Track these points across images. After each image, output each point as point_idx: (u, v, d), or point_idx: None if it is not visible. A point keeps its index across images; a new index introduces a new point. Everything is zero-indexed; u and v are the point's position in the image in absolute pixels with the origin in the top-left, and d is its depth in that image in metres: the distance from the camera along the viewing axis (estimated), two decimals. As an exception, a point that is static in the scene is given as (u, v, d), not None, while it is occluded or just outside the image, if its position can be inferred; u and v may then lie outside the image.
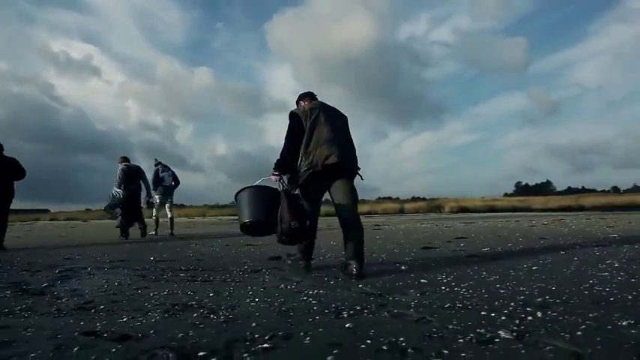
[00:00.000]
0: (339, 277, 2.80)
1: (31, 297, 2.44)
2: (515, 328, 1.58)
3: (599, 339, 1.44)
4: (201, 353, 1.41)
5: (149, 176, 7.86)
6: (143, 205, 7.84)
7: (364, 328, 1.66)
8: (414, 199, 38.13)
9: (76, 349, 1.49)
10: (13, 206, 6.23)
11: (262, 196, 2.86)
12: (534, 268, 2.90)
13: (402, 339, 1.50)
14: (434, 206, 28.04)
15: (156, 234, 8.04)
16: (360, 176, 3.04)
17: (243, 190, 2.91)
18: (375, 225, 9.65)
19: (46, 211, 34.88)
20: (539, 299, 2.01)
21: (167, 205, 8.14)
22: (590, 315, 1.72)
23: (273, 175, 2.92)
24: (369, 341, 1.50)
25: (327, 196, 3.02)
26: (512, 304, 1.94)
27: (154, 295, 2.40)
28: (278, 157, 2.93)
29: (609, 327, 1.57)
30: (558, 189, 46.98)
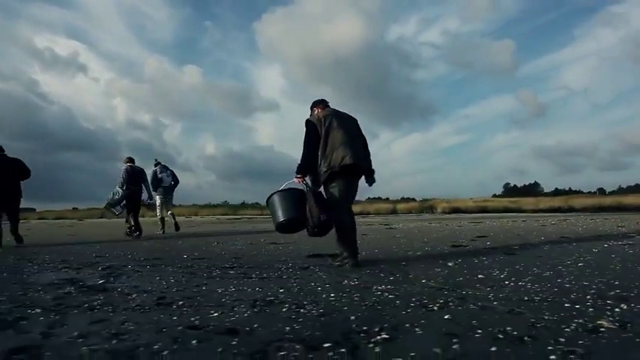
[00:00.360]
0: (394, 273, 2.86)
1: (99, 293, 2.42)
2: (611, 319, 1.66)
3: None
4: (326, 344, 1.45)
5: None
6: (145, 202, 7.90)
7: (463, 319, 1.72)
8: (404, 200, 38.46)
9: (194, 341, 1.51)
10: None
11: (291, 197, 3.22)
12: (580, 264, 3.01)
13: (508, 328, 1.57)
14: (426, 207, 28.35)
15: (163, 232, 8.12)
16: (374, 179, 3.41)
17: (273, 194, 3.27)
18: (386, 225, 9.78)
19: (32, 209, 33.97)
20: (610, 292, 2.10)
21: (167, 205, 8.22)
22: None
23: (297, 177, 3.25)
24: (479, 331, 1.55)
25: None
26: (587, 297, 2.03)
27: (222, 291, 2.41)
28: (299, 162, 3.25)
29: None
30: (546, 190, 48.14)
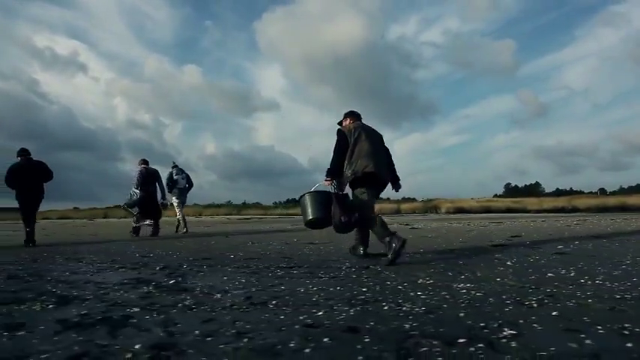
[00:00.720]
0: (461, 272, 2.90)
1: (181, 292, 2.44)
2: None
3: None
4: (460, 340, 1.49)
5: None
6: (161, 203, 8.10)
7: (572, 315, 1.76)
8: (405, 200, 38.53)
9: (325, 339, 1.54)
10: (5, 205, 6.43)
11: (320, 198, 3.70)
12: (641, 263, 3.07)
13: (627, 325, 1.61)
14: (430, 207, 28.43)
15: (186, 232, 8.37)
16: (399, 185, 3.96)
17: (304, 194, 3.77)
18: (405, 224, 9.83)
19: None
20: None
21: (180, 206, 8.48)
22: None
23: (326, 180, 3.71)
24: (599, 327, 1.60)
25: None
26: (676, 294, 2.08)
27: (306, 290, 2.44)
28: (329, 167, 3.70)
29: None
30: (547, 190, 48.43)
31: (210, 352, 1.44)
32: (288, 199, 46.27)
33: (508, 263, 3.24)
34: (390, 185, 3.91)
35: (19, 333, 1.71)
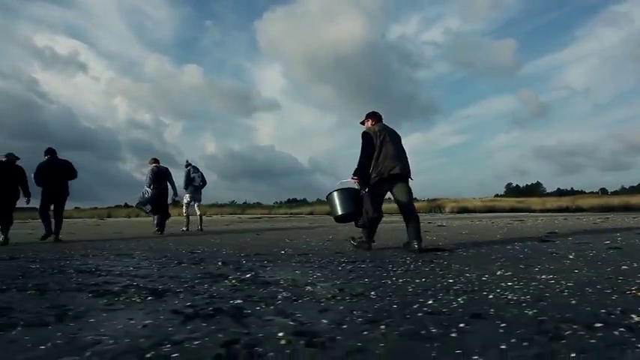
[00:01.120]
0: (530, 265, 2.95)
1: (269, 286, 2.47)
2: None
3: None
4: (597, 325, 1.52)
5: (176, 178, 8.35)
6: (174, 200, 8.40)
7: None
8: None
9: (461, 324, 1.58)
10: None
11: (348, 195, 4.00)
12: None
13: None
14: (434, 206, 28.52)
15: (187, 230, 8.46)
16: (411, 178, 4.11)
17: (333, 192, 4.07)
18: (430, 222, 9.85)
19: (35, 209, 33.47)
20: None
21: (196, 205, 8.64)
22: None
23: (353, 178, 3.96)
24: None
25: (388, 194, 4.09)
26: None
27: (395, 282, 2.48)
28: (356, 166, 3.95)
29: None
30: (548, 190, 48.76)
31: (363, 339, 1.45)
32: (289, 199, 46.22)
33: (571, 257, 3.29)
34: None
35: (147, 321, 1.73)
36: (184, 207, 8.62)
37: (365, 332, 1.53)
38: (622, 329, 1.47)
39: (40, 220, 6.78)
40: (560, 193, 41.14)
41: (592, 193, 34.32)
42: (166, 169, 8.12)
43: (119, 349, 1.38)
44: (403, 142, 4.19)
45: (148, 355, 1.32)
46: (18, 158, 6.58)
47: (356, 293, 2.20)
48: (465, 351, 1.31)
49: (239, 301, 2.08)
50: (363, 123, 4.25)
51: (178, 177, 8.61)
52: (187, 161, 8.73)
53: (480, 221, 10.24)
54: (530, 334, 1.44)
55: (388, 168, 3.85)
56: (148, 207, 7.85)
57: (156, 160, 8.09)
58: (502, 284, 2.33)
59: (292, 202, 42.25)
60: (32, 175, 6.58)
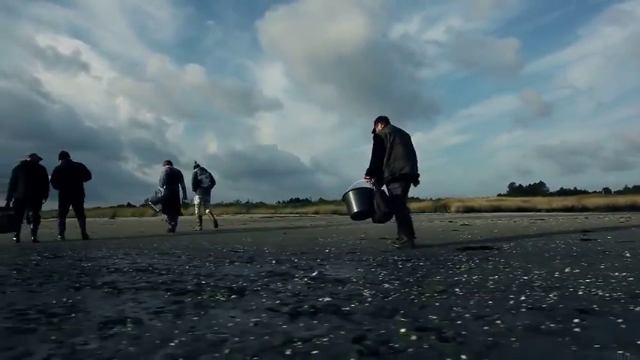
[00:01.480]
0: (591, 263, 2.96)
1: (344, 284, 2.47)
2: None
3: None
4: None
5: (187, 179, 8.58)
6: (184, 201, 8.60)
7: None
8: (411, 199, 38.62)
9: (576, 320, 1.58)
10: None
11: (362, 194, 4.27)
12: None
13: None
14: (439, 206, 28.54)
15: (201, 229, 8.65)
16: (418, 182, 4.33)
17: (348, 191, 4.34)
18: (451, 221, 9.87)
19: (8, 207, 33.42)
20: None
21: (206, 204, 8.87)
22: None
23: (365, 178, 4.25)
24: None
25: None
26: None
27: (468, 280, 2.49)
28: (368, 167, 4.20)
29: None
30: (551, 190, 48.85)
31: (490, 333, 1.46)
32: (291, 199, 46.16)
33: (627, 255, 3.30)
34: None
35: (254, 319, 1.73)
36: (196, 208, 8.83)
37: (485, 327, 1.54)
38: None
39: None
40: (563, 192, 41.23)
41: (595, 192, 34.40)
42: (179, 171, 8.38)
43: (255, 346, 1.38)
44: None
45: (288, 352, 1.32)
46: (41, 158, 6.78)
47: (439, 290, 2.20)
48: (603, 346, 1.31)
49: (328, 299, 2.08)
50: (374, 131, 4.43)
51: (186, 177, 8.74)
52: (195, 162, 8.94)
53: (500, 220, 10.26)
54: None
55: (399, 168, 4.10)
56: (159, 206, 8.11)
57: (169, 162, 8.33)
58: (580, 281, 2.34)
59: (295, 202, 42.21)
60: (49, 179, 6.78)
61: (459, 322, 1.62)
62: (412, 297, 2.08)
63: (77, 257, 4.07)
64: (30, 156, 6.64)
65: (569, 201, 25.18)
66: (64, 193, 6.82)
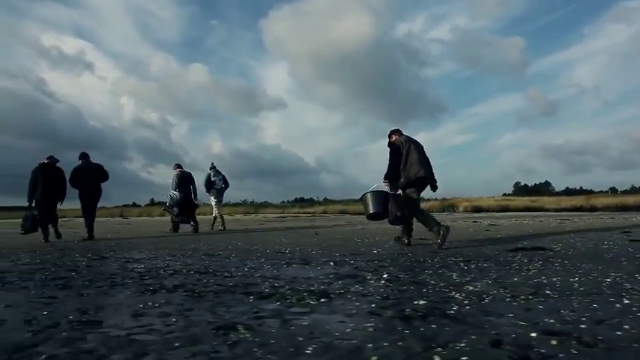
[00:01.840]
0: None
1: (425, 285, 2.45)
2: None
3: None
4: None
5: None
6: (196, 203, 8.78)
7: None
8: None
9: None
10: (18, 204, 7.35)
11: (379, 196, 4.58)
12: None
13: None
14: (447, 205, 28.52)
15: (224, 229, 8.87)
16: (436, 186, 4.72)
17: (366, 193, 4.67)
18: (475, 221, 9.83)
19: (31, 208, 33.42)
20: None
21: (217, 205, 9.03)
22: None
23: (384, 182, 4.57)
24: None
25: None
26: None
27: (538, 283, 2.46)
28: (386, 172, 4.53)
29: None
30: (557, 189, 48.81)
31: (619, 338, 1.44)
32: (296, 198, 46.15)
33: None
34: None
35: (364, 324, 1.70)
36: (214, 208, 9.04)
37: (618, 332, 1.51)
38: None
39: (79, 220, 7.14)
40: (569, 192, 41.17)
41: (601, 192, 34.32)
42: (189, 173, 8.58)
43: (397, 353, 1.35)
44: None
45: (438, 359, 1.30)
46: (58, 160, 7.02)
47: (530, 292, 2.17)
48: None
49: (423, 302, 2.06)
50: (389, 143, 4.77)
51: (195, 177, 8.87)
52: (212, 164, 9.14)
53: (524, 220, 10.24)
54: None
55: (415, 172, 4.48)
56: (175, 210, 8.32)
57: (179, 166, 8.53)
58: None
59: (300, 202, 42.20)
60: (68, 178, 6.95)
61: (582, 325, 1.60)
62: (507, 299, 2.06)
63: (122, 258, 4.04)
64: (47, 158, 6.83)
65: (577, 201, 25.11)
66: (83, 193, 6.99)
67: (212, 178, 8.93)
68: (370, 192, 4.68)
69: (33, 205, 6.72)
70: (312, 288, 2.46)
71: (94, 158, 7.29)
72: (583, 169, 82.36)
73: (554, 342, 1.41)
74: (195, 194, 8.55)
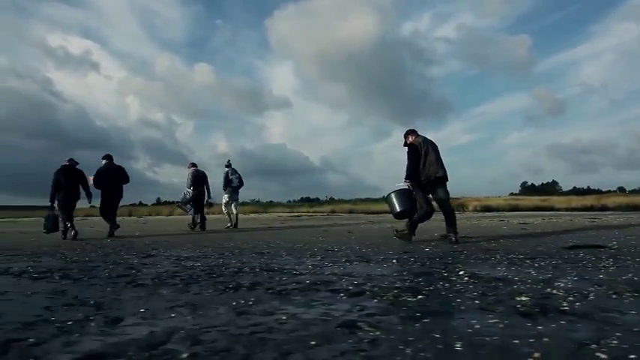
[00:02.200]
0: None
1: (511, 284, 2.40)
2: None
3: None
4: None
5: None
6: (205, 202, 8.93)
7: None
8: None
9: None
10: (22, 202, 7.59)
11: (403, 195, 4.85)
12: None
13: None
14: (457, 205, 28.44)
15: (231, 226, 9.01)
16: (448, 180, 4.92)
17: (391, 193, 4.93)
18: (501, 219, 9.76)
19: (52, 207, 33.46)
20: None
21: (233, 204, 9.15)
22: None
23: (405, 181, 4.86)
24: None
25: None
26: None
27: (625, 278, 2.41)
28: (407, 172, 4.85)
29: None
30: (564, 189, 48.60)
31: None
32: (302, 198, 46.11)
33: None
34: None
35: (491, 321, 1.65)
36: (224, 206, 9.18)
37: None
38: None
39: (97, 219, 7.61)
40: (576, 191, 41.00)
41: (609, 191, 34.13)
42: (204, 172, 8.73)
43: (553, 352, 1.30)
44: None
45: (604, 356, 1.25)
46: (77, 163, 7.30)
47: (630, 290, 2.12)
48: None
49: (525, 298, 2.01)
50: (406, 143, 5.05)
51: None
52: (228, 161, 9.26)
53: (551, 219, 10.18)
54: None
55: (433, 172, 4.75)
56: (189, 206, 8.53)
57: (194, 165, 8.70)
58: None
59: (306, 201, 42.14)
60: (92, 180, 7.22)
61: None
62: (613, 296, 2.01)
63: (171, 256, 4.00)
64: (68, 161, 7.14)
65: (588, 200, 24.99)
66: (105, 193, 7.26)
67: (230, 177, 9.02)
68: (394, 192, 4.88)
69: (54, 205, 6.92)
70: (398, 284, 2.41)
71: (100, 157, 7.45)
72: (590, 169, 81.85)
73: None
74: (209, 193, 8.71)
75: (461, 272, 2.76)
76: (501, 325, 1.58)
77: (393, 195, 4.90)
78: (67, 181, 6.90)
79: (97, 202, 7.43)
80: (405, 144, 5.07)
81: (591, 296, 2.02)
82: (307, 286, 2.44)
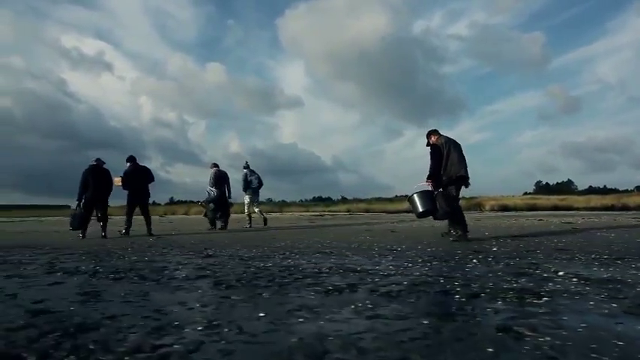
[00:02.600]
0: None
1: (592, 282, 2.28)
2: None
3: None
4: None
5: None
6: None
7: None
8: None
9: None
10: (38, 202, 7.84)
11: (425, 195, 4.94)
12: None
13: None
14: (473, 204, 28.11)
15: (250, 227, 9.09)
16: (469, 183, 5.09)
17: (413, 194, 5.04)
18: (541, 219, 9.57)
19: (67, 207, 33.93)
20: None
21: (255, 204, 9.32)
22: None
23: (427, 181, 4.95)
24: None
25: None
26: None
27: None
28: (429, 172, 4.93)
29: None
30: (579, 188, 47.91)
31: None
32: (314, 197, 46.04)
33: None
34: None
35: (583, 323, 1.54)
36: (246, 207, 9.33)
37: None
38: None
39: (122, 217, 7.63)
40: (592, 191, 40.46)
41: (627, 191, 33.63)
42: (225, 172, 8.85)
43: None
44: (424, 138, 5.25)
45: None
46: (104, 162, 7.44)
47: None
48: None
49: (602, 296, 2.00)
50: (428, 143, 5.13)
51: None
52: (246, 162, 9.36)
53: (589, 219, 10.00)
54: None
55: (456, 172, 4.85)
56: (212, 205, 8.56)
57: (216, 165, 8.82)
58: None
59: (318, 200, 42.09)
60: (121, 182, 7.38)
61: None
62: None
63: (234, 257, 3.92)
64: (95, 161, 7.29)
65: (607, 200, 24.55)
66: (132, 193, 7.42)
67: (249, 178, 9.12)
68: (416, 192, 5.01)
69: (82, 203, 7.04)
70: (506, 286, 2.31)
71: (114, 158, 7.70)
72: (606, 167, 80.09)
73: None
74: (230, 192, 8.80)
75: (560, 272, 2.65)
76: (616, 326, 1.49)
77: (415, 196, 5.02)
78: (95, 181, 7.04)
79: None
80: (428, 144, 5.13)
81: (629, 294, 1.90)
82: (410, 288, 2.34)
